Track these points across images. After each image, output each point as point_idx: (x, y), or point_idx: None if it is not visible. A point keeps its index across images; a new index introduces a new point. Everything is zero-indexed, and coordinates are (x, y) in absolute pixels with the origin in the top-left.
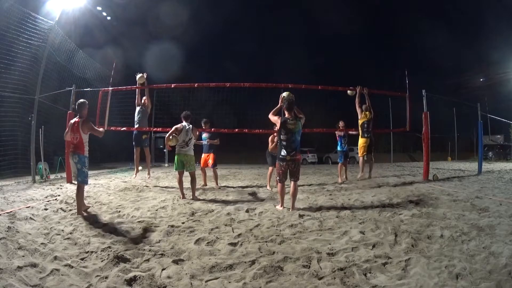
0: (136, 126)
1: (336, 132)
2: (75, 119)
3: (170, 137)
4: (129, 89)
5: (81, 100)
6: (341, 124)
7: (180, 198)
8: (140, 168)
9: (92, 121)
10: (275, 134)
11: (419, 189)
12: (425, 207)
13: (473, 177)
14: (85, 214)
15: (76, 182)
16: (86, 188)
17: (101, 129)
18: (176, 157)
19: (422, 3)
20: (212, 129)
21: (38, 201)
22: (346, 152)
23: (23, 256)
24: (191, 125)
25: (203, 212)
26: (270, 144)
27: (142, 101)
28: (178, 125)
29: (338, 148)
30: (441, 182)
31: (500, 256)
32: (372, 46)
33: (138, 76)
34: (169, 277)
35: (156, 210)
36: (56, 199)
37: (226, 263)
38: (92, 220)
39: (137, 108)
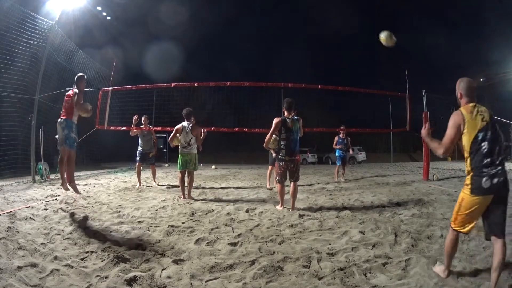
0: (140, 148)
1: (336, 138)
2: (71, 90)
3: (174, 138)
4: (129, 89)
5: (80, 74)
6: (341, 128)
7: (180, 197)
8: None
9: (91, 121)
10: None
11: (419, 189)
12: (425, 207)
13: None
14: (73, 193)
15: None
16: (86, 188)
17: (89, 108)
18: (179, 157)
19: (422, 3)
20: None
21: (38, 201)
22: (344, 157)
23: (23, 256)
24: (191, 124)
25: (203, 212)
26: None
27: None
28: (178, 126)
29: (336, 154)
30: (441, 182)
31: None
32: (372, 46)
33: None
34: (169, 277)
35: (156, 210)
36: (56, 199)
37: (226, 263)
38: (92, 220)
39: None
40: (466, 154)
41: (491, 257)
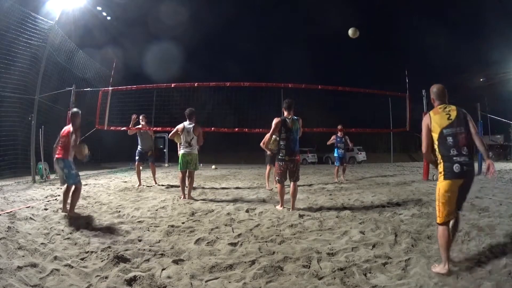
0: (139, 147)
1: (332, 137)
2: (67, 127)
3: (174, 135)
4: (129, 89)
5: (75, 109)
6: (339, 127)
7: (180, 197)
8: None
9: (91, 121)
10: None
11: (419, 189)
12: (425, 207)
13: None
14: (67, 214)
15: (63, 187)
16: (86, 188)
17: (86, 152)
18: (180, 157)
19: (422, 3)
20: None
21: (38, 201)
22: (343, 157)
23: (23, 256)
24: (192, 124)
25: (203, 212)
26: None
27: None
28: (179, 126)
29: (335, 154)
30: None
31: (500, 256)
32: (372, 45)
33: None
34: (169, 277)
35: (156, 210)
36: (56, 199)
37: (226, 263)
38: (92, 220)
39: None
40: (435, 148)
41: (491, 257)
